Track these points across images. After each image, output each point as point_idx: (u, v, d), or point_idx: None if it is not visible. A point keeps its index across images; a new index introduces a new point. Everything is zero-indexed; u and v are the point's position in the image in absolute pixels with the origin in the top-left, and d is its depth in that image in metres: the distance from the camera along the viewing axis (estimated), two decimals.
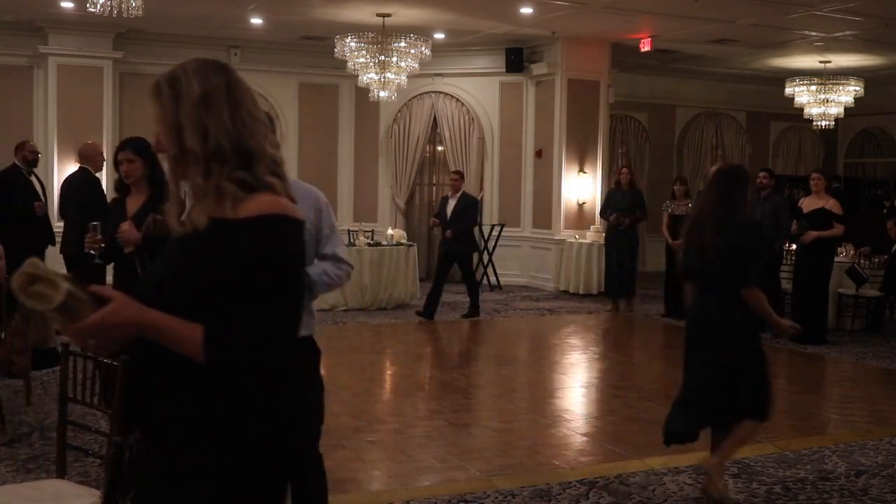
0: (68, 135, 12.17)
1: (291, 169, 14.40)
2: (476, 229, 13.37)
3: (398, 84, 11.82)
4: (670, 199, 11.07)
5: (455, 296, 12.92)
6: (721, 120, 17.35)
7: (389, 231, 12.40)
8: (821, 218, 9.20)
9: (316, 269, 3.48)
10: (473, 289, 10.92)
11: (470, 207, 10.84)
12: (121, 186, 4.55)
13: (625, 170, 11.72)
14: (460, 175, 11.27)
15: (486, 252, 13.56)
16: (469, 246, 10.94)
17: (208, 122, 1.87)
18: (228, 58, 14.00)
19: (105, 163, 9.03)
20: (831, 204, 9.29)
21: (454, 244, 10.56)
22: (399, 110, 14.50)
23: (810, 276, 9.32)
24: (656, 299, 11.82)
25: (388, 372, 8.23)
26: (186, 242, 1.89)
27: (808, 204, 9.42)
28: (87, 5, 8.51)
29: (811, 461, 5.28)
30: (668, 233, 10.88)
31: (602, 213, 12.06)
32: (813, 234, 9.18)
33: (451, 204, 10.72)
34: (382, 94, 11.87)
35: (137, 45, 13.24)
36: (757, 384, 4.47)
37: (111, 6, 8.39)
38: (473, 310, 10.87)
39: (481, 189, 14.45)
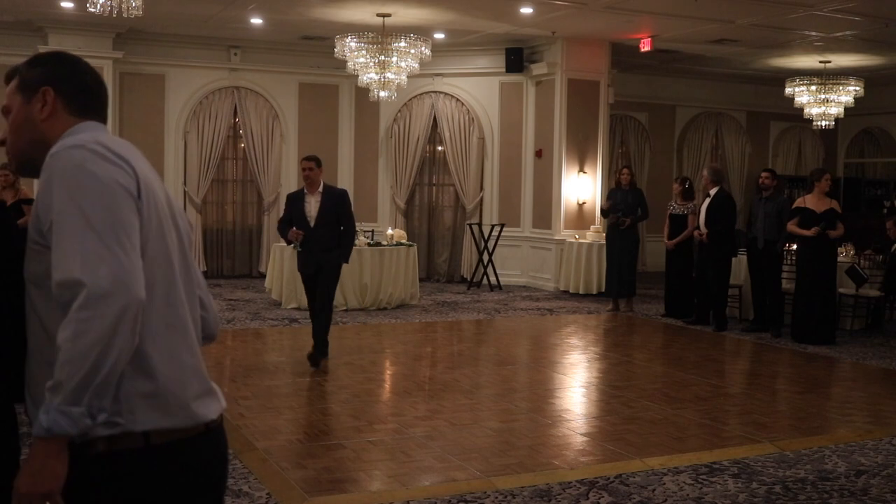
0: None
1: (291, 169, 14.44)
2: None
3: (398, 84, 11.82)
4: (673, 199, 11.18)
5: (455, 296, 12.93)
6: (721, 120, 17.36)
7: (389, 231, 12.40)
8: (833, 218, 9.33)
9: None
10: (326, 320, 7.75)
11: (343, 204, 7.75)
12: None
13: (626, 170, 11.72)
14: (316, 162, 7.74)
15: (486, 252, 13.56)
16: (341, 258, 7.74)
17: None
18: (228, 58, 14.03)
19: None
20: (835, 204, 9.53)
21: (328, 256, 7.62)
22: (399, 110, 14.50)
23: (817, 277, 9.36)
24: (656, 299, 11.81)
25: (388, 372, 8.23)
26: None
27: (814, 204, 9.45)
28: (87, 5, 8.51)
29: (811, 461, 5.28)
30: (666, 232, 10.93)
31: (603, 213, 12.05)
32: (835, 233, 9.38)
33: (313, 203, 7.71)
34: (382, 94, 11.87)
35: (137, 45, 13.25)
36: None
37: (111, 6, 8.39)
38: (320, 349, 7.74)
39: (481, 189, 14.46)
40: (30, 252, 1.89)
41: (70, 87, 2.03)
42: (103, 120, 2.08)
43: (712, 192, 10.36)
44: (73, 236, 1.74)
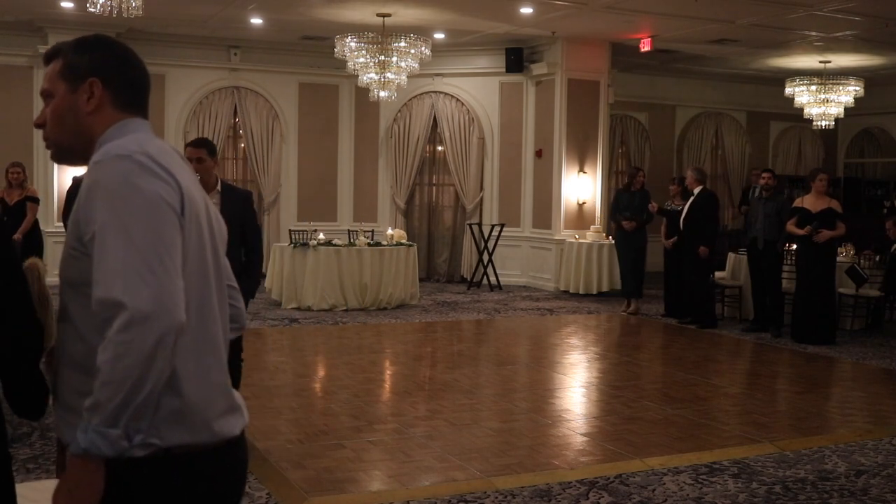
0: None
1: (291, 169, 14.45)
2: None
3: (398, 84, 11.82)
4: (670, 199, 11.21)
5: (455, 296, 12.93)
6: (721, 120, 17.36)
7: (389, 231, 12.40)
8: (829, 218, 9.31)
9: None
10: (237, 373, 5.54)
11: (247, 213, 5.47)
12: None
13: (641, 173, 11.75)
14: (208, 149, 5.26)
15: (486, 252, 13.56)
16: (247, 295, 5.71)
17: None
18: (228, 58, 14.03)
19: None
20: (834, 204, 9.51)
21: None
22: (399, 110, 14.50)
23: (814, 277, 9.37)
24: (656, 299, 11.81)
25: (388, 372, 8.23)
26: None
27: (813, 204, 9.46)
28: (87, 5, 8.51)
29: (811, 461, 5.28)
30: (664, 231, 10.99)
31: (612, 216, 12.06)
32: (827, 233, 9.31)
33: None
34: (382, 94, 11.87)
35: (137, 45, 13.22)
36: None
37: (111, 6, 8.38)
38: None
39: (481, 189, 14.46)
40: (68, 257, 1.86)
41: (119, 81, 1.95)
42: (146, 114, 2.01)
43: (696, 191, 10.47)
44: (116, 254, 1.70)
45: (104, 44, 1.98)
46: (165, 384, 1.76)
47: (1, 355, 2.10)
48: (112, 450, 1.71)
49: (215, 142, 13.87)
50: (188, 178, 1.90)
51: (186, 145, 5.39)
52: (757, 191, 11.50)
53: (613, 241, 12.30)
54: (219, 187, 5.27)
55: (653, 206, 11.07)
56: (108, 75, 1.93)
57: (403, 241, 12.01)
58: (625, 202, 11.45)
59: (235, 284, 2.12)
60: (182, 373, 1.81)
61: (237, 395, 2.03)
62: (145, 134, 1.93)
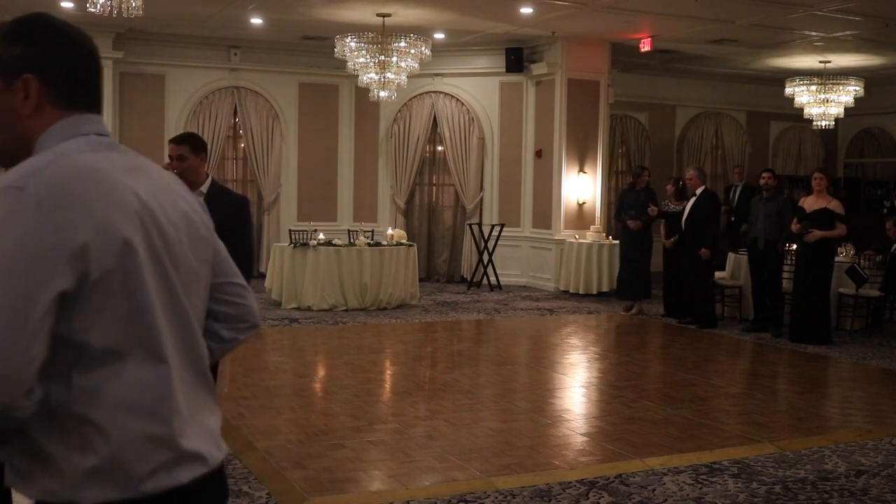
0: None
1: (291, 169, 14.45)
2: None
3: (398, 84, 11.82)
4: (667, 199, 11.22)
5: (455, 296, 12.93)
6: (721, 120, 17.36)
7: (389, 231, 12.40)
8: (824, 218, 9.26)
9: None
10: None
11: (240, 221, 4.93)
12: None
13: (646, 172, 11.75)
14: (191, 146, 4.81)
15: (486, 252, 13.56)
16: None
17: None
18: (228, 58, 14.04)
19: None
20: (834, 204, 9.38)
21: None
22: (399, 110, 14.51)
23: (812, 277, 9.36)
24: (656, 299, 11.81)
25: (388, 372, 8.23)
26: None
27: (810, 204, 9.45)
28: (87, 5, 8.50)
29: (811, 461, 5.28)
30: (663, 231, 10.99)
31: (617, 216, 12.05)
32: (818, 233, 9.24)
33: None
34: (382, 93, 11.87)
35: (137, 45, 13.25)
36: None
37: (111, 6, 8.39)
38: None
39: (481, 189, 14.46)
40: None
41: (59, 74, 1.66)
42: (96, 105, 1.72)
43: (698, 191, 10.44)
44: None
45: (39, 29, 1.68)
46: (78, 440, 1.55)
47: None
48: None
49: (215, 142, 14.03)
50: (131, 197, 1.60)
51: (169, 141, 4.79)
52: (737, 189, 11.58)
53: (618, 241, 12.21)
54: (204, 188, 4.63)
55: (653, 210, 11.06)
56: (45, 69, 1.64)
57: (403, 241, 12.01)
58: (630, 201, 11.45)
59: (239, 280, 1.93)
60: (103, 426, 1.55)
61: (204, 435, 1.72)
62: (82, 140, 1.65)
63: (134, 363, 1.58)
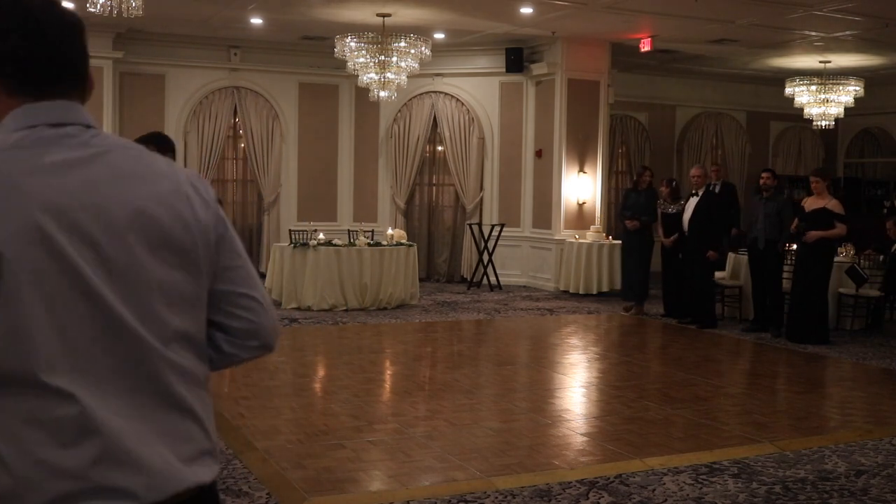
0: None
1: (291, 169, 14.45)
2: (473, 229, 13.42)
3: (398, 84, 11.82)
4: (662, 199, 11.22)
5: (455, 296, 12.93)
6: (721, 120, 17.35)
7: (389, 231, 12.40)
8: (822, 217, 9.25)
9: None
10: None
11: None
12: None
13: (647, 171, 11.74)
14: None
15: (486, 252, 13.56)
16: None
17: None
18: (228, 58, 14.03)
19: None
20: (833, 204, 9.35)
21: None
22: (399, 110, 14.50)
23: (811, 277, 9.36)
24: (656, 299, 11.82)
25: (388, 372, 8.23)
26: None
27: (809, 204, 9.46)
28: (87, 5, 8.50)
29: (811, 461, 5.28)
30: (661, 231, 10.99)
31: (620, 215, 12.05)
32: (816, 233, 9.22)
33: None
34: (382, 94, 11.87)
35: (137, 45, 13.25)
36: None
37: (111, 6, 8.38)
38: None
39: (481, 189, 14.46)
40: None
41: (4, 59, 1.47)
42: (56, 87, 1.52)
43: (700, 191, 10.43)
44: None
45: None
46: None
47: None
48: None
49: (215, 142, 14.03)
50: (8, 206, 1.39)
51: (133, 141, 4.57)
52: (716, 188, 11.51)
53: (621, 241, 12.20)
54: None
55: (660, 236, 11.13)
56: None
57: (403, 241, 12.01)
58: (631, 201, 11.45)
59: (252, 293, 1.70)
60: (1, 455, 1.41)
61: (142, 465, 1.47)
62: (25, 133, 1.48)
63: (22, 386, 1.40)
